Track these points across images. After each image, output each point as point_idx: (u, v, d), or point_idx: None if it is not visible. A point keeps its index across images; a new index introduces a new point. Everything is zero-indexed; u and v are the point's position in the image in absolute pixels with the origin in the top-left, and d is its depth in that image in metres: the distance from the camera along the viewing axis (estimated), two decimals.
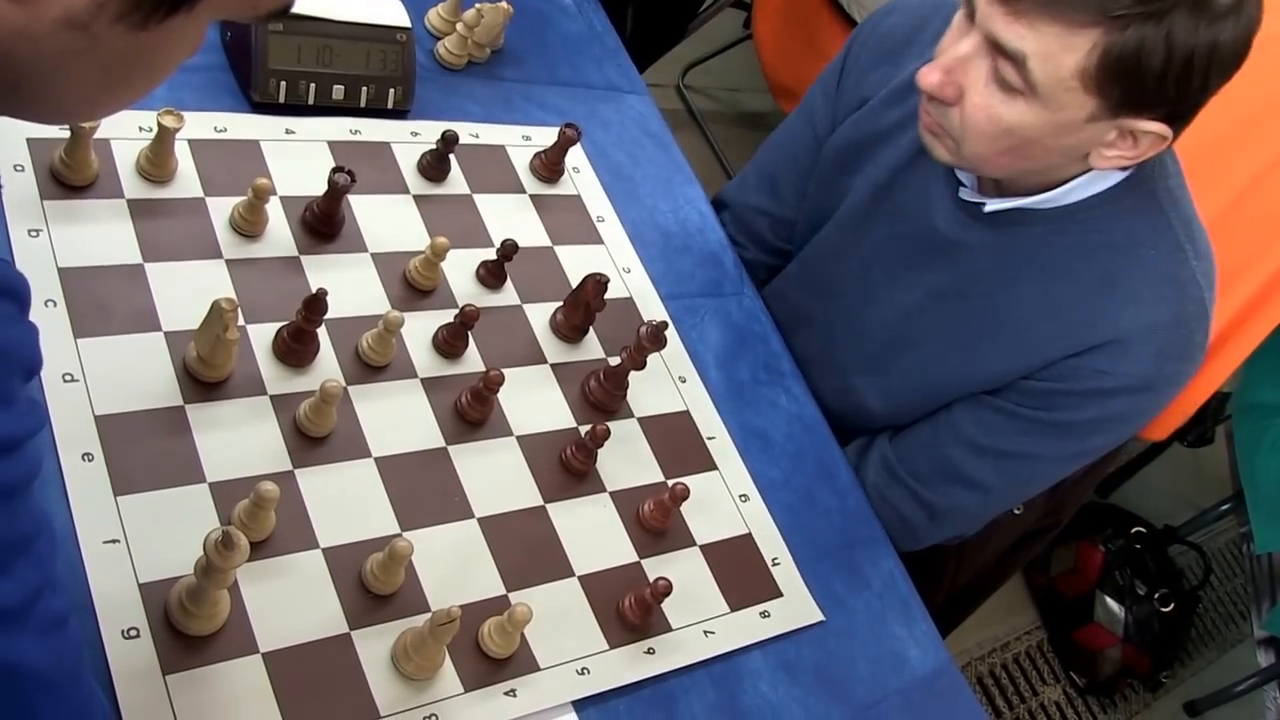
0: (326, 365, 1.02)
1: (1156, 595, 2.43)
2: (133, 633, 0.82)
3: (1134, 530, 2.51)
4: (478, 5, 1.28)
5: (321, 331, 1.01)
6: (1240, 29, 0.94)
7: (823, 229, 1.33)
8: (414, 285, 1.11)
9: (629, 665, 0.99)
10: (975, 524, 1.35)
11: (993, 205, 1.13)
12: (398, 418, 1.03)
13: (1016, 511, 1.46)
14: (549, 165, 1.27)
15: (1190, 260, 1.11)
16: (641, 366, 1.13)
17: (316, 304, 0.97)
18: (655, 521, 1.08)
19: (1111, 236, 1.11)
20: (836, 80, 1.33)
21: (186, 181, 1.06)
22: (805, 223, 1.38)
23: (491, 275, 1.16)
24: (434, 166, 1.19)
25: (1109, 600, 2.43)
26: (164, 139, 1.02)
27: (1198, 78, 0.95)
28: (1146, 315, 1.11)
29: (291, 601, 0.89)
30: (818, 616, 1.11)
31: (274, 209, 1.08)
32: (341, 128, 1.18)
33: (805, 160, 1.36)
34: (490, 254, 1.16)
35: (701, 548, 1.10)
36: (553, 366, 1.15)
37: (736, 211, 1.44)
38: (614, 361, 1.14)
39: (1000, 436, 1.21)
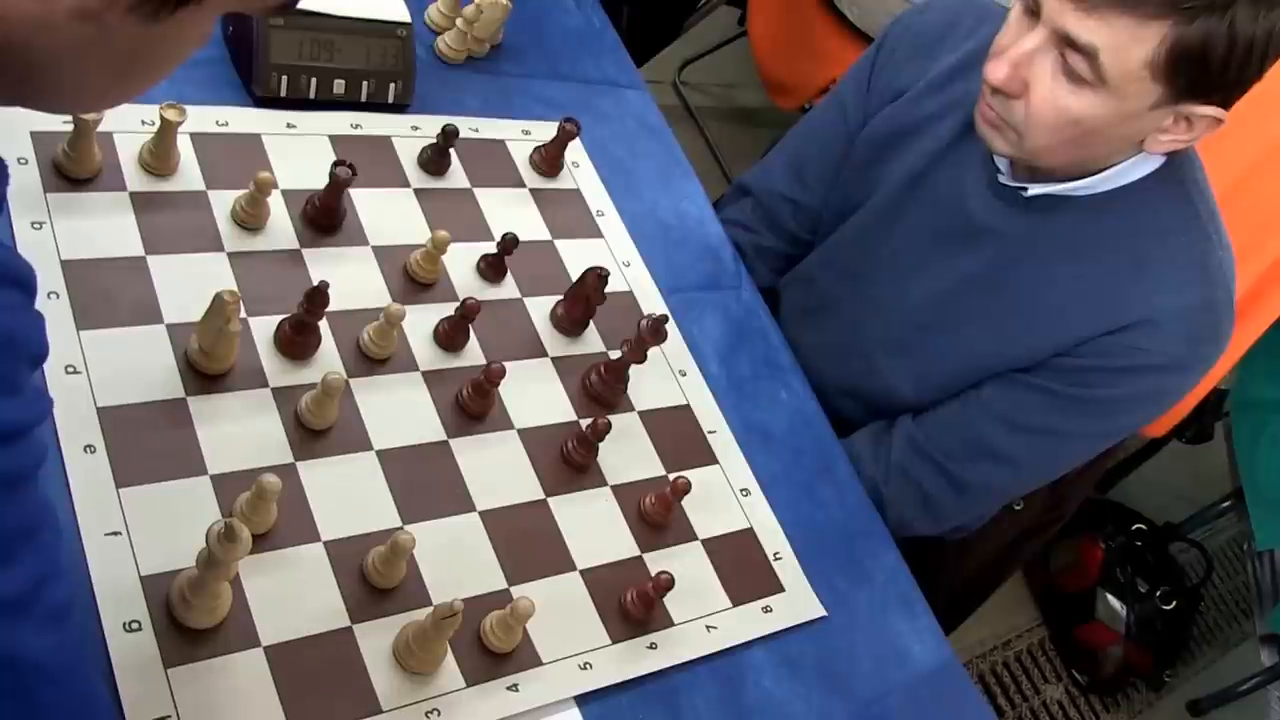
0: (328, 358, 1.02)
1: (1158, 593, 2.43)
2: (134, 625, 0.82)
3: (1134, 527, 2.51)
4: (477, 0, 1.28)
5: (323, 324, 1.01)
6: None
7: (853, 216, 1.35)
8: (415, 279, 1.11)
9: (631, 660, 0.99)
10: (999, 502, 1.37)
11: (1035, 189, 1.15)
12: (399, 411, 1.03)
13: (1017, 507, 1.46)
14: (549, 159, 1.27)
15: (1217, 250, 1.15)
16: (642, 360, 1.13)
17: (318, 296, 0.97)
18: (656, 515, 1.08)
19: (1142, 223, 1.14)
20: (868, 74, 1.36)
21: (188, 175, 1.06)
22: (833, 212, 1.39)
23: (492, 269, 1.16)
24: (434, 160, 1.19)
25: (1110, 598, 2.43)
26: (166, 132, 1.02)
27: (1255, 64, 0.99)
28: (1178, 298, 1.13)
29: (293, 595, 0.89)
30: (820, 611, 1.11)
31: (275, 202, 1.08)
32: (342, 122, 1.18)
33: (835, 150, 1.38)
34: (490, 248, 1.16)
35: (703, 542, 1.10)
36: (553, 360, 1.14)
37: (760, 198, 1.46)
38: (614, 355, 1.14)
39: (1033, 413, 1.22)
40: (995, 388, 1.25)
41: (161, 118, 1.01)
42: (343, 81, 1.17)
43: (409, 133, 1.22)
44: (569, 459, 1.08)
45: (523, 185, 1.26)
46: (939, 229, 1.26)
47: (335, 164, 1.06)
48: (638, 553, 1.06)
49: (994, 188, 1.20)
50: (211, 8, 0.57)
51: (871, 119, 1.34)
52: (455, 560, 0.97)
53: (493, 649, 0.93)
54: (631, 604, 1.01)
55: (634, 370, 1.14)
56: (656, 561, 1.06)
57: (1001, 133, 1.10)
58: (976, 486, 1.28)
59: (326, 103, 1.17)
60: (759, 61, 2.41)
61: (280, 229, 1.07)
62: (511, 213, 1.23)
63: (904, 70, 1.31)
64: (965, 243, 1.23)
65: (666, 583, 0.99)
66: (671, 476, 1.08)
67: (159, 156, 1.03)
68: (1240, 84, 1.01)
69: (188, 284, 0.98)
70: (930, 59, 1.29)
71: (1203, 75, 0.98)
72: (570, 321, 1.17)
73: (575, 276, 1.17)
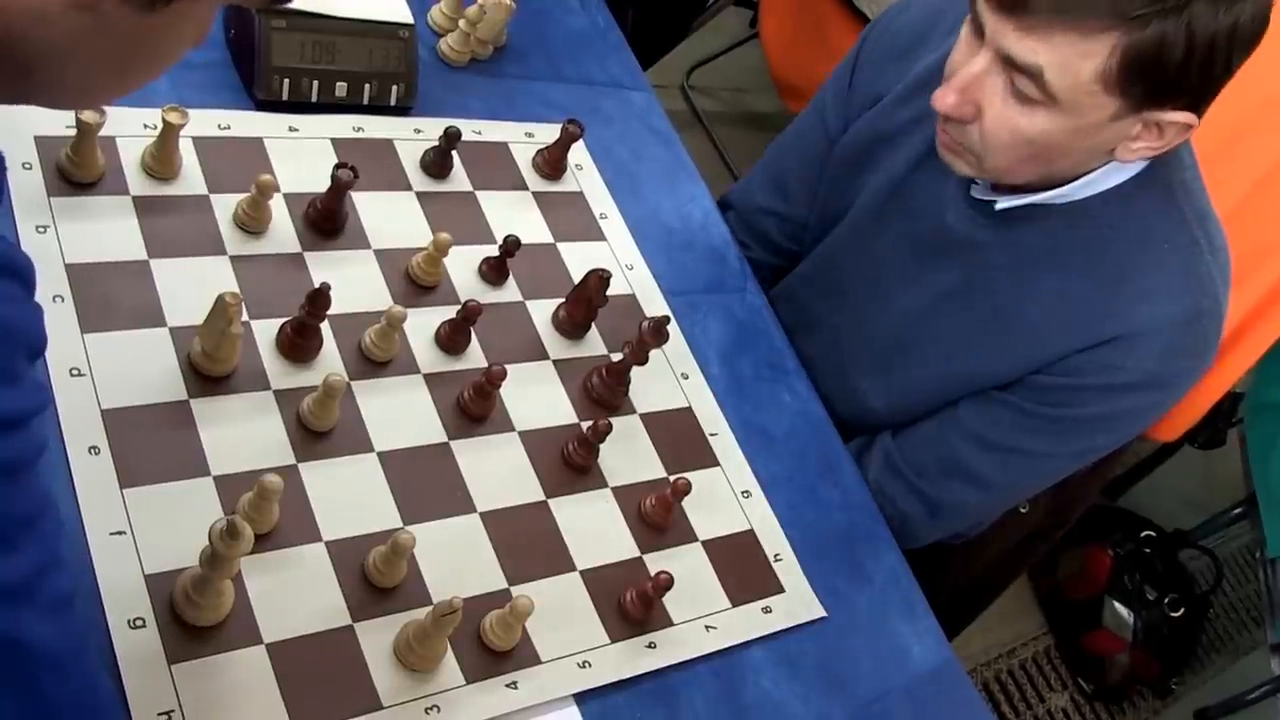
0: (329, 360, 1.03)
1: (1166, 600, 2.41)
2: (139, 623, 0.83)
3: (1143, 534, 2.50)
4: (480, 2, 1.29)
5: (325, 327, 1.02)
6: (1259, 5, 0.94)
7: (834, 229, 1.33)
8: (416, 281, 1.12)
9: (630, 659, 0.99)
10: (975, 520, 1.35)
11: (1004, 203, 1.13)
12: (400, 412, 1.03)
13: (1022, 510, 1.46)
14: (551, 162, 1.28)
15: (1205, 255, 1.11)
16: (644, 362, 1.13)
17: (320, 299, 0.98)
18: (657, 517, 1.08)
19: (1125, 231, 1.11)
20: (849, 78, 1.33)
21: (191, 178, 1.07)
22: (816, 222, 1.37)
23: (494, 271, 1.16)
24: (437, 163, 1.20)
25: (1117, 605, 2.41)
26: (169, 136, 1.03)
27: (1220, 62, 0.94)
28: (1160, 310, 1.10)
29: (295, 593, 0.90)
30: (820, 612, 1.11)
31: (277, 205, 1.08)
32: (344, 125, 1.19)
33: (816, 159, 1.35)
34: (492, 250, 1.16)
35: (703, 543, 1.10)
36: (555, 362, 1.15)
37: (742, 213, 1.44)
38: (616, 357, 1.15)
39: (1007, 432, 1.20)
40: (970, 405, 1.23)
41: (164, 121, 1.02)
42: (345, 84, 1.17)
43: (411, 135, 1.22)
44: (570, 460, 1.08)
45: (525, 188, 1.27)
46: (917, 242, 1.23)
47: (337, 167, 1.06)
48: (638, 553, 1.06)
49: (970, 199, 1.17)
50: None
51: (852, 125, 1.31)
52: (456, 560, 0.98)
53: (492, 647, 0.94)
54: (631, 604, 1.01)
55: (635, 372, 1.14)
56: (656, 562, 1.06)
57: (961, 156, 1.08)
58: (949, 506, 1.27)
59: (328, 105, 1.18)
60: (771, 64, 2.39)
61: (282, 232, 1.08)
62: (514, 215, 1.23)
63: (884, 73, 1.28)
64: (943, 256, 1.21)
65: (666, 582, 0.99)
66: (672, 478, 1.08)
67: (161, 160, 1.04)
68: (1206, 85, 0.96)
69: (190, 287, 0.99)
70: (909, 61, 1.25)
71: (1161, 80, 0.94)
72: (572, 324, 1.17)
73: (577, 279, 1.17)
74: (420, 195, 1.19)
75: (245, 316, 1.00)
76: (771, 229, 1.42)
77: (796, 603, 1.11)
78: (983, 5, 0.98)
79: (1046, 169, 1.07)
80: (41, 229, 0.97)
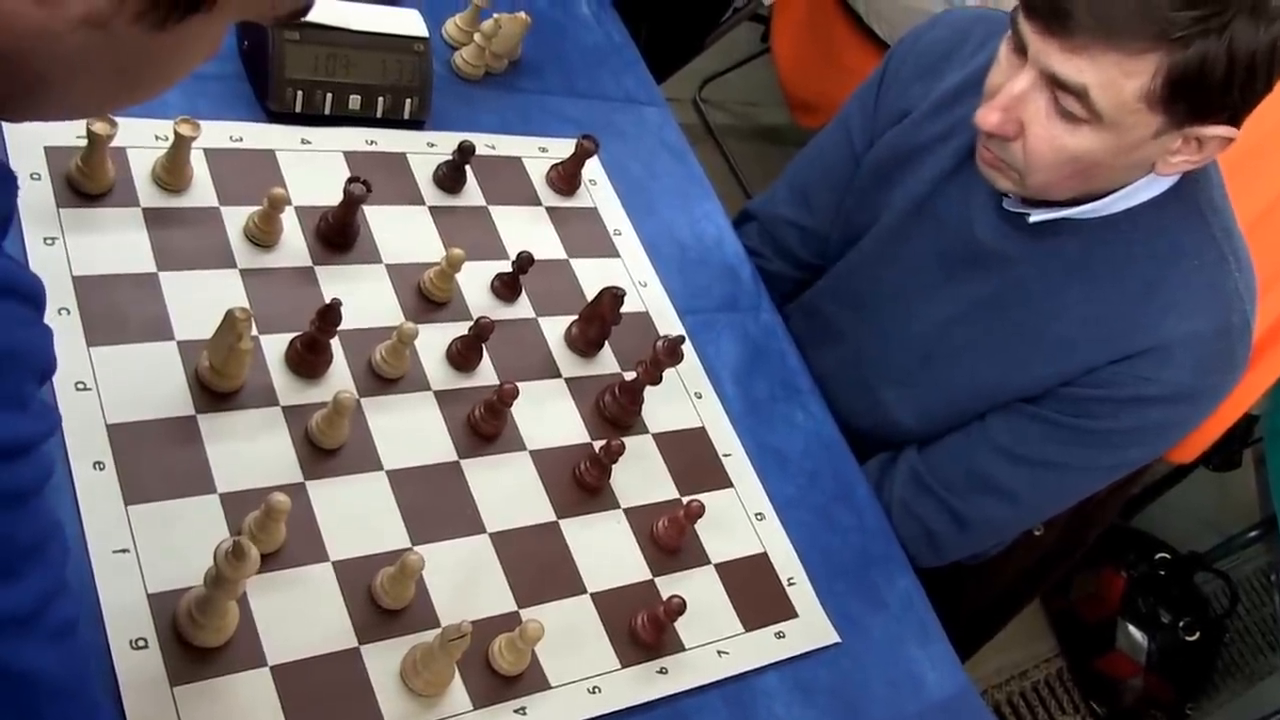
0: (339, 376, 1.02)
1: (1181, 623, 2.39)
2: (141, 643, 0.82)
3: (1157, 556, 2.47)
4: (495, 16, 1.28)
5: (335, 342, 1.00)
6: None
7: (859, 242, 1.33)
8: (428, 297, 1.10)
9: (641, 684, 0.98)
10: (1003, 536, 1.34)
11: (1037, 216, 1.13)
12: (410, 430, 1.02)
13: (1037, 532, 1.44)
14: (565, 177, 1.27)
15: (1233, 272, 1.12)
16: (657, 381, 1.12)
17: (330, 314, 0.97)
18: (669, 539, 1.07)
19: (1155, 246, 1.11)
20: (875, 94, 1.33)
21: (202, 191, 1.06)
22: (840, 236, 1.37)
23: (506, 288, 1.15)
24: (450, 178, 1.19)
25: (1131, 628, 2.39)
26: (180, 148, 1.02)
27: (1261, 78, 0.96)
28: (1189, 324, 1.11)
29: (300, 614, 0.89)
30: (833, 638, 1.10)
31: (289, 219, 1.07)
32: (357, 138, 1.18)
33: (841, 174, 1.36)
34: (505, 266, 1.15)
35: (716, 566, 1.09)
36: (567, 381, 1.14)
37: (765, 223, 1.44)
38: (629, 376, 1.13)
39: (1036, 445, 1.20)
40: (998, 418, 1.22)
41: (175, 133, 1.01)
42: (358, 97, 1.16)
43: (424, 149, 1.21)
44: (581, 481, 1.07)
45: (539, 203, 1.26)
46: (945, 255, 1.23)
47: (349, 181, 1.06)
48: (649, 576, 1.05)
49: (1000, 212, 1.17)
50: (221, 17, 0.57)
51: (878, 141, 1.31)
52: (465, 582, 0.96)
53: (501, 671, 0.92)
54: (642, 628, 1.00)
55: (649, 392, 1.13)
56: (668, 585, 1.04)
57: (1003, 173, 1.08)
58: (978, 521, 1.26)
59: (341, 118, 1.17)
60: (783, 79, 2.39)
61: (293, 246, 1.07)
62: (527, 231, 1.22)
63: (910, 90, 1.29)
64: (972, 269, 1.21)
65: (678, 607, 0.97)
66: (685, 499, 1.07)
67: (172, 172, 1.03)
68: (1247, 100, 0.98)
69: (199, 301, 0.98)
70: (936, 78, 1.26)
71: (1204, 97, 0.96)
72: (585, 342, 1.16)
73: (591, 296, 1.16)
74: (433, 210, 1.18)
75: (254, 331, 0.99)
76: (794, 241, 1.42)
77: (810, 628, 1.09)
78: (1026, 26, 0.99)
79: (1087, 185, 1.07)
80: (50, 240, 0.96)
